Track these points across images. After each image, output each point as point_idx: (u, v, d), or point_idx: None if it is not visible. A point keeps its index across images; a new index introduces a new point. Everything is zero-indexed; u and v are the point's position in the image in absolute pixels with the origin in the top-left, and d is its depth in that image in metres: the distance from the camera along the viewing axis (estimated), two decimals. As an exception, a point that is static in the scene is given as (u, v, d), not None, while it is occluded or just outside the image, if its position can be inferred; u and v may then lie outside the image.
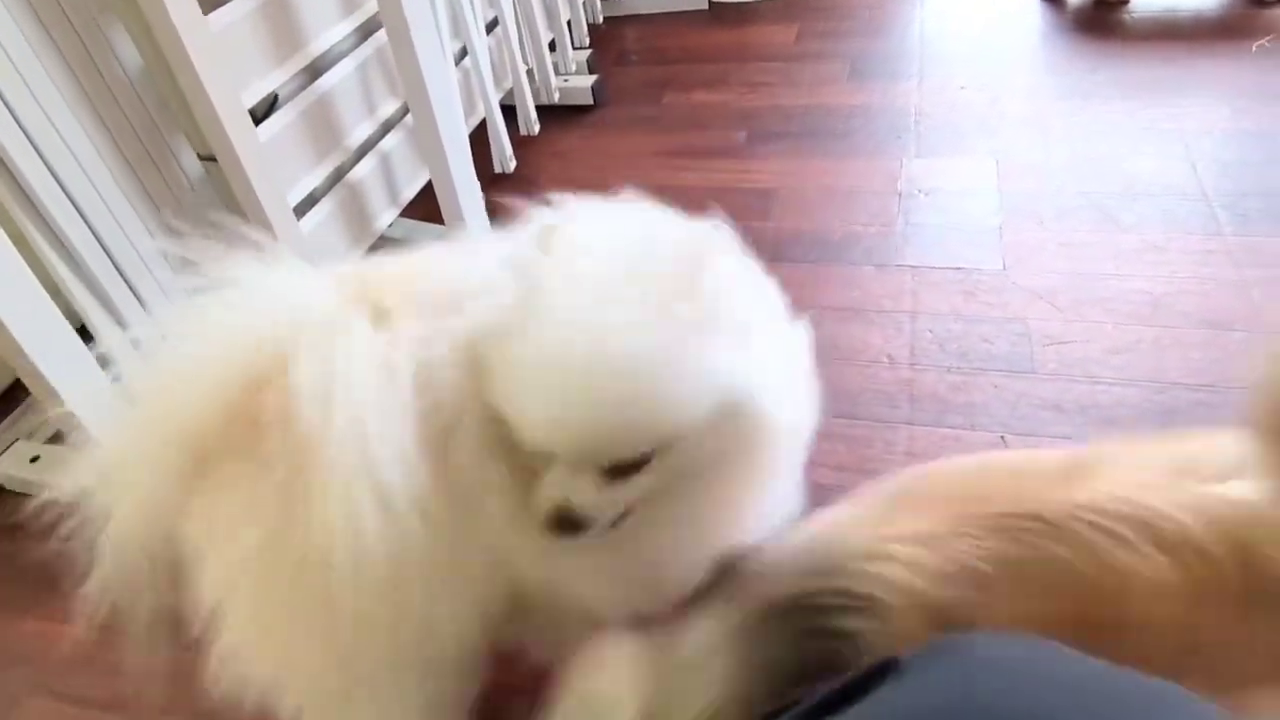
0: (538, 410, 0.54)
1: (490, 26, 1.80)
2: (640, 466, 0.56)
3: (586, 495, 0.56)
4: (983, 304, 1.35)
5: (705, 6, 2.46)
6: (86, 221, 1.08)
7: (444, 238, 1.59)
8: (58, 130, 1.02)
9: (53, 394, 1.03)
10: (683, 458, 0.56)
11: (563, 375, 0.53)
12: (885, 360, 1.28)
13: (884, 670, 0.35)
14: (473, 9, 1.65)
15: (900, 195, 1.61)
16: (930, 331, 1.32)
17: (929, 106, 1.85)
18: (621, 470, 0.56)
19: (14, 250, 0.96)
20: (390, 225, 1.54)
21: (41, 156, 1.01)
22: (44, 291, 1.01)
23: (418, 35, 1.33)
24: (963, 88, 1.90)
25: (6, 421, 1.37)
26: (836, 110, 1.90)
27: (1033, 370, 1.22)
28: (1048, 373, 1.21)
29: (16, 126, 0.97)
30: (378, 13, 1.35)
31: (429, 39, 1.36)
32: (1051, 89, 1.86)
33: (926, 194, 1.61)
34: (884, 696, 0.34)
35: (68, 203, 1.05)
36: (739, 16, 2.40)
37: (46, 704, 1.00)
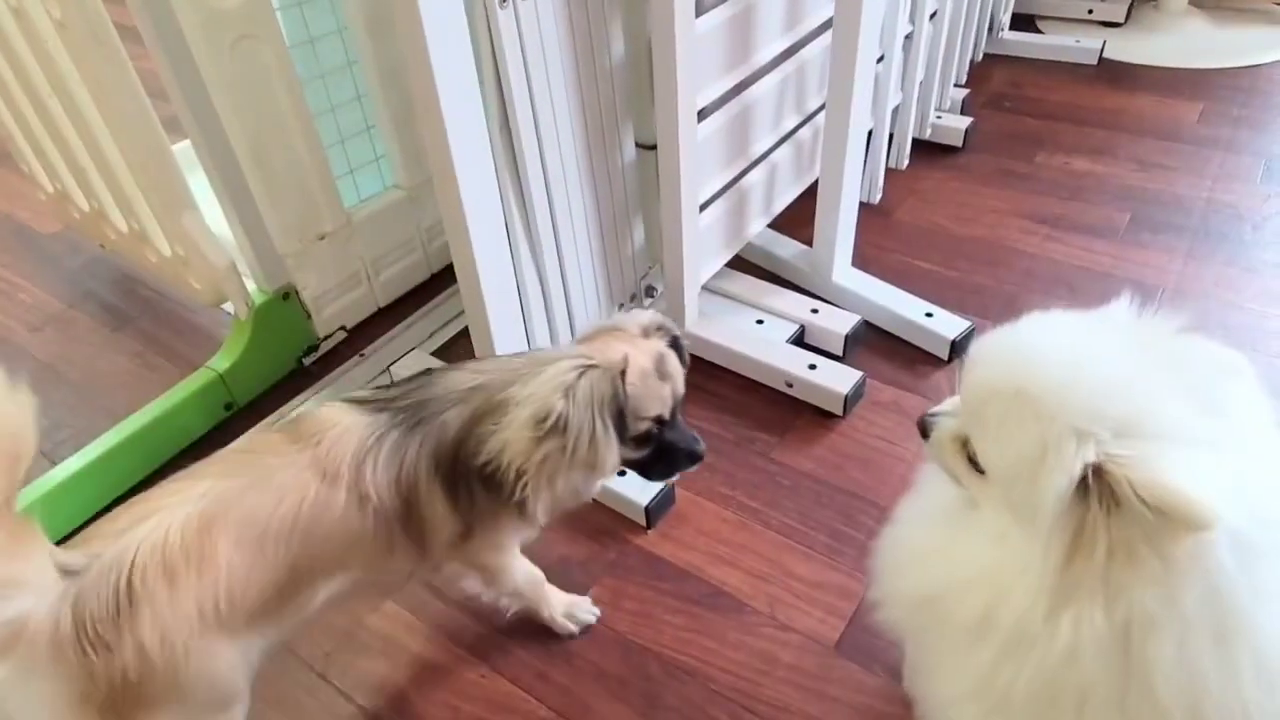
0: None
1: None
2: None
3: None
4: None
5: (1094, 62, 2.29)
6: (546, 178, 1.19)
7: (805, 256, 1.61)
8: (552, 102, 1.13)
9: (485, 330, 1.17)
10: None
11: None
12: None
13: None
14: (901, 16, 1.62)
15: (1316, 333, 1.43)
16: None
17: (1365, 235, 1.62)
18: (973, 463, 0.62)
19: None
20: (757, 234, 1.59)
21: (535, 120, 1.12)
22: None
23: (865, 33, 1.28)
24: None
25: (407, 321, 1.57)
26: (1246, 213, 1.71)
27: None
28: None
29: (528, 95, 1.09)
30: (818, 26, 1.36)
31: (871, 39, 1.32)
32: None
33: (1351, 339, 1.41)
34: None
35: (538, 156, 1.16)
36: (1132, 81, 2.22)
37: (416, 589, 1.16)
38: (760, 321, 1.48)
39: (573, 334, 1.38)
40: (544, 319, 1.32)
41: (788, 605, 1.11)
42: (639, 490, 1.21)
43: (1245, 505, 0.49)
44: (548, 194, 1.21)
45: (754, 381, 1.41)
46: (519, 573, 1.02)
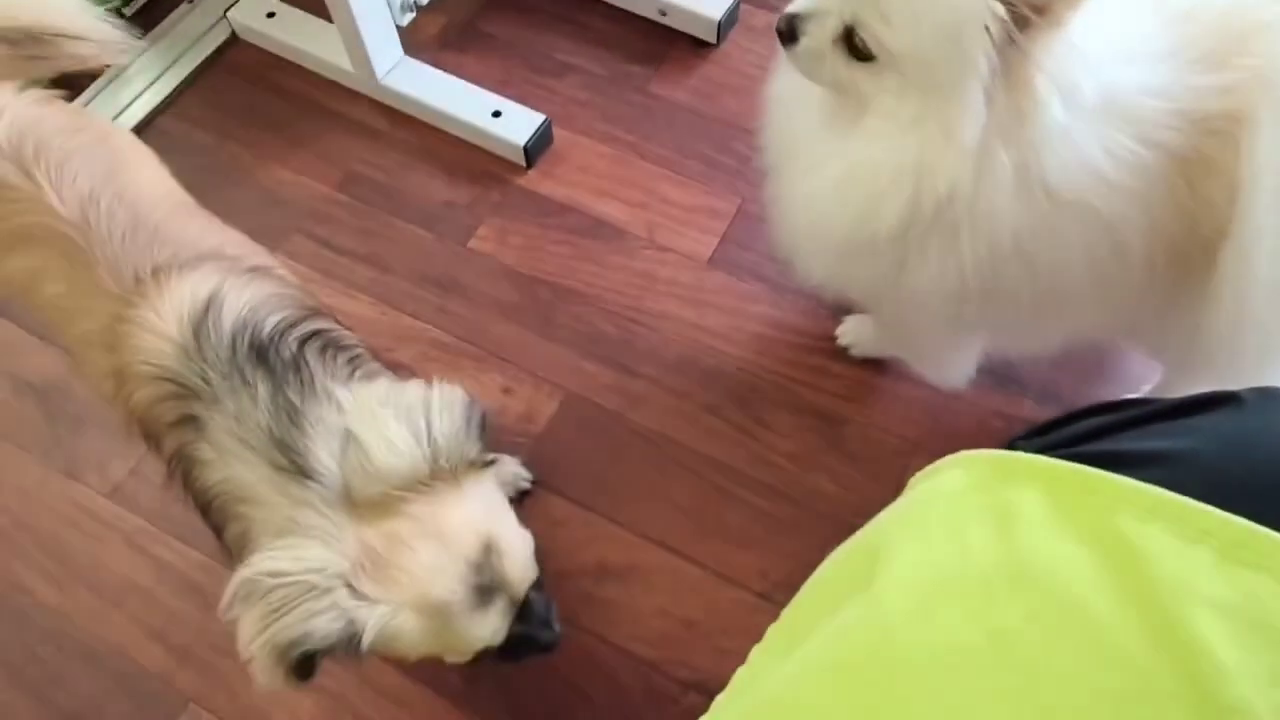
0: None
1: None
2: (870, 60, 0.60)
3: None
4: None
5: None
6: None
7: None
8: None
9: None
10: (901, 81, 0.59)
11: None
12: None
13: (1217, 401, 0.42)
14: None
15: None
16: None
17: None
18: (859, 53, 0.60)
19: None
20: None
21: None
22: None
23: None
24: None
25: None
26: None
27: None
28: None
29: None
30: None
31: None
32: None
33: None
34: (1227, 419, 0.41)
35: None
36: None
37: (305, 243, 1.18)
38: (630, -57, 1.38)
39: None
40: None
41: (665, 229, 1.19)
42: (516, 130, 1.21)
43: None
44: None
45: (625, 11, 1.35)
46: None
